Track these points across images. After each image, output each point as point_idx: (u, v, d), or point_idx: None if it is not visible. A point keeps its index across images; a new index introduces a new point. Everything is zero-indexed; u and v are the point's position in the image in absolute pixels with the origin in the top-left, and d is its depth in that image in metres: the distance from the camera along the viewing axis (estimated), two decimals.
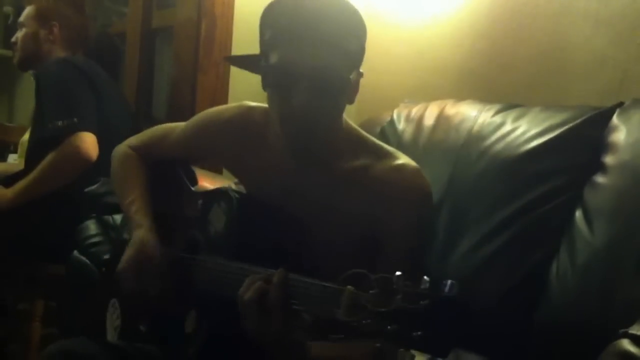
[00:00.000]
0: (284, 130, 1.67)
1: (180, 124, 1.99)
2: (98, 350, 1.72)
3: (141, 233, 1.81)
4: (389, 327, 1.13)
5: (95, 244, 2.61)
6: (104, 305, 1.94)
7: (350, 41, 1.64)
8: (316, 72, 1.59)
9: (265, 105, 1.77)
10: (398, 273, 1.16)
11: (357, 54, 1.68)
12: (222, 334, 1.61)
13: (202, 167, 2.13)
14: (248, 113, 1.86)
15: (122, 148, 2.05)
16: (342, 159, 1.73)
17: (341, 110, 1.71)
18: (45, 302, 3.16)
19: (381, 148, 1.78)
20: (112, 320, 1.90)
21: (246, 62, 1.82)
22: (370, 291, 1.19)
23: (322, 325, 1.32)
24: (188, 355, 1.66)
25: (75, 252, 2.64)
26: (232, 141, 1.85)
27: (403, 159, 1.76)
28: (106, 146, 2.81)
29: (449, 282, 1.13)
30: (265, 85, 1.67)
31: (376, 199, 1.68)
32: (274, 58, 1.62)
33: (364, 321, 1.18)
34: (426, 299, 1.12)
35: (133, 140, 2.06)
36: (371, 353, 1.27)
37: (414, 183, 1.72)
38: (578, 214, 1.85)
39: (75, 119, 2.92)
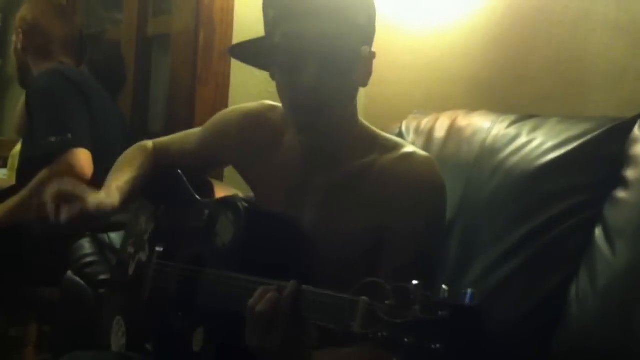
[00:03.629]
0: (294, 115, 1.67)
1: (200, 127, 2.02)
2: None
3: (109, 187, 1.87)
4: (406, 339, 1.12)
5: (90, 264, 2.61)
6: (106, 325, 1.95)
7: (358, 14, 1.64)
8: (325, 46, 1.59)
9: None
10: (415, 282, 1.15)
11: (367, 27, 1.67)
12: (231, 351, 1.60)
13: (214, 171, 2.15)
14: (267, 110, 1.87)
15: (142, 141, 2.08)
16: (353, 157, 1.72)
17: (354, 91, 1.70)
18: (38, 327, 3.16)
19: (390, 140, 1.76)
20: (118, 338, 1.90)
21: (250, 53, 1.82)
22: (386, 301, 1.18)
23: (337, 337, 1.32)
24: None
25: (70, 273, 2.64)
26: (247, 137, 1.86)
27: (412, 149, 1.74)
28: (100, 162, 2.81)
29: (469, 291, 1.12)
30: (272, 67, 1.68)
31: (383, 193, 1.67)
32: (279, 36, 1.63)
33: (379, 333, 1.16)
34: (445, 309, 1.10)
35: (159, 139, 2.09)
36: None
37: (423, 172, 1.69)
38: (598, 232, 1.84)
39: (68, 135, 2.91)
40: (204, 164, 2.03)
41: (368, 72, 1.71)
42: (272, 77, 1.71)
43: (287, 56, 1.62)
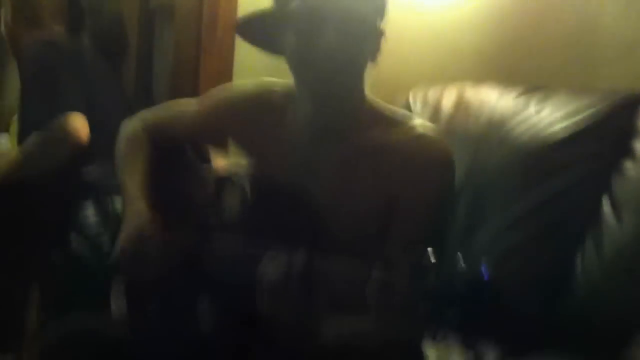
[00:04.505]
0: (307, 82, 1.68)
1: (194, 100, 2.00)
2: (109, 327, 1.72)
3: (137, 207, 1.81)
4: (419, 306, 1.13)
5: (92, 228, 2.61)
6: (107, 290, 1.94)
7: None
8: (342, 13, 1.61)
9: (285, 84, 1.78)
10: (430, 251, 1.16)
11: (381, 2, 1.70)
12: (235, 317, 1.61)
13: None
14: (268, 91, 1.87)
15: (132, 124, 2.05)
16: (361, 131, 1.73)
17: (365, 63, 1.71)
18: (41, 289, 3.15)
19: (397, 114, 1.77)
20: (117, 303, 1.90)
21: (258, 29, 1.81)
22: (400, 269, 1.19)
23: (350, 305, 1.32)
24: (200, 339, 1.66)
25: (72, 237, 2.64)
26: (250, 118, 1.85)
27: (419, 123, 1.75)
28: (100, 129, 2.81)
29: (484, 262, 1.13)
30: (280, 41, 1.68)
31: (393, 167, 1.68)
32: (296, 4, 1.64)
33: (393, 301, 1.17)
34: (460, 278, 1.11)
35: (145, 116, 2.06)
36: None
37: (431, 146, 1.70)
38: (605, 203, 1.85)
39: (61, 106, 2.89)
40: (201, 141, 2.02)
41: (378, 48, 1.72)
42: (281, 51, 1.71)
43: (304, 22, 1.64)
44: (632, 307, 1.68)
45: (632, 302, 1.69)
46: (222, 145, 2.23)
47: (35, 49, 3.05)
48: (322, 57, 1.61)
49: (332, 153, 1.73)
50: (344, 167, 1.72)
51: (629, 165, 1.85)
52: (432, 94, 2.39)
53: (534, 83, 2.26)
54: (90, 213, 2.66)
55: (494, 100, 2.18)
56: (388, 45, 1.76)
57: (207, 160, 2.01)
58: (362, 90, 1.75)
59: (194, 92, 3.31)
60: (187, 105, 2.00)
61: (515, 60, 2.49)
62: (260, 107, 1.85)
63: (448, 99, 2.32)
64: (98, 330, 1.69)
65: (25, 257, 3.07)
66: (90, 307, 2.08)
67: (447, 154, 1.72)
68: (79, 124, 2.86)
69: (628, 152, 1.87)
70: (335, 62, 1.62)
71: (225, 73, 3.35)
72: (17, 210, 2.97)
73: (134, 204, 1.83)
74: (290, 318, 1.39)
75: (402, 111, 1.82)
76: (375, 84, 1.81)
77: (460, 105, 2.27)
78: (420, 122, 1.75)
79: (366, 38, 1.67)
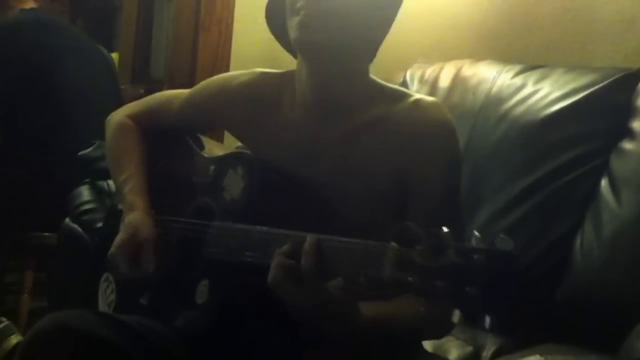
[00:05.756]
0: (309, 62, 1.64)
1: (184, 91, 1.95)
2: (97, 323, 1.67)
3: (134, 216, 1.77)
4: (439, 284, 1.09)
5: (88, 211, 2.58)
6: (97, 279, 1.90)
7: None
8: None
9: (278, 71, 1.75)
10: (445, 228, 1.12)
11: None
12: (237, 304, 1.57)
13: (203, 135, 2.10)
14: (261, 78, 1.83)
15: (118, 116, 2.00)
16: (363, 108, 1.69)
17: (370, 47, 1.68)
18: (34, 274, 3.13)
19: (397, 91, 1.74)
20: (105, 295, 1.85)
21: (275, 17, 1.78)
22: (418, 247, 1.15)
23: (367, 286, 1.28)
24: (199, 328, 1.62)
25: (68, 220, 2.61)
26: (244, 107, 1.81)
27: (419, 96, 1.71)
28: (79, 109, 2.79)
29: (502, 236, 1.09)
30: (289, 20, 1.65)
31: (398, 142, 1.64)
32: None
33: (411, 279, 1.13)
34: (480, 253, 1.07)
35: (132, 107, 2.01)
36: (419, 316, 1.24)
37: (434, 117, 1.66)
38: (604, 183, 1.83)
39: None
40: (189, 130, 1.98)
41: (385, 31, 1.68)
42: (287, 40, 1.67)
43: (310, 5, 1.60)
44: (632, 288, 1.66)
45: (632, 282, 1.66)
46: (217, 133, 2.20)
47: None
48: (326, 39, 1.58)
49: (334, 132, 1.69)
50: (348, 145, 1.68)
51: (627, 144, 1.83)
52: (429, 71, 2.35)
53: (532, 58, 2.24)
54: (84, 193, 2.64)
55: (491, 78, 2.15)
56: None
57: (201, 147, 1.97)
58: (366, 70, 1.72)
59: (191, 67, 3.30)
60: (177, 94, 1.95)
61: (513, 36, 2.46)
62: (255, 93, 1.81)
63: (446, 76, 2.29)
64: (80, 327, 1.63)
65: (19, 240, 3.05)
66: (79, 294, 2.04)
67: (449, 120, 1.68)
68: None
69: (626, 131, 1.84)
70: (340, 45, 1.58)
71: (223, 49, 3.33)
72: (14, 193, 2.95)
73: (128, 205, 1.79)
74: (310, 305, 1.35)
75: (401, 88, 1.79)
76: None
77: (458, 82, 2.24)
78: (420, 96, 1.71)
79: (374, 11, 1.63)
